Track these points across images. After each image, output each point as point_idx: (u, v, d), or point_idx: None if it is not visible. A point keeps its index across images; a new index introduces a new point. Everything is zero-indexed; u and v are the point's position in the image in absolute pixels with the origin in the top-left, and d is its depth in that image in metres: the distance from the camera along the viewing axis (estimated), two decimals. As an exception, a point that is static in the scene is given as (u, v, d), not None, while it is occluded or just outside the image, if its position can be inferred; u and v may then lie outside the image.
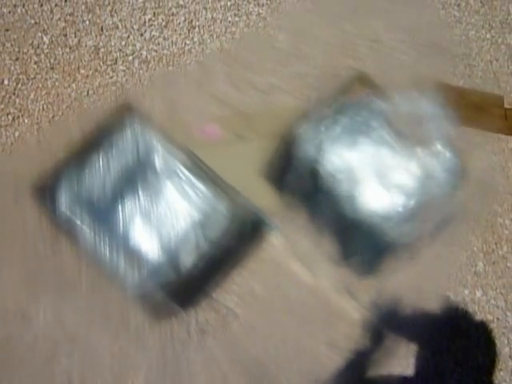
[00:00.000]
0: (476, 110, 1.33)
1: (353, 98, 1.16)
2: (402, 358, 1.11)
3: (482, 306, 1.18)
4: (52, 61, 1.30)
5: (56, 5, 1.35)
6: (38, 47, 1.30)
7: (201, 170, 1.08)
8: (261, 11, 1.41)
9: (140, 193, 1.05)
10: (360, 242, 1.09)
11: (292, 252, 1.16)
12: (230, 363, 1.07)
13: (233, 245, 1.07)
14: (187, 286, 1.05)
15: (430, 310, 1.15)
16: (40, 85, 1.27)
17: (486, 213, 1.25)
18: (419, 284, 1.16)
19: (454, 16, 1.47)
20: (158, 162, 1.07)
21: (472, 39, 1.44)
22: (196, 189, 1.05)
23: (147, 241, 1.01)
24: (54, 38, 1.32)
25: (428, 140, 1.04)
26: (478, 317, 1.17)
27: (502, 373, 1.14)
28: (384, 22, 1.41)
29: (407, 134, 1.04)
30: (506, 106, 1.36)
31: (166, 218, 1.03)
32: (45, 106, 1.25)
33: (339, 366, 1.08)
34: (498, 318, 1.17)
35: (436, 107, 1.04)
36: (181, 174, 1.06)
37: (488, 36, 1.45)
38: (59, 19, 1.34)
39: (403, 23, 1.42)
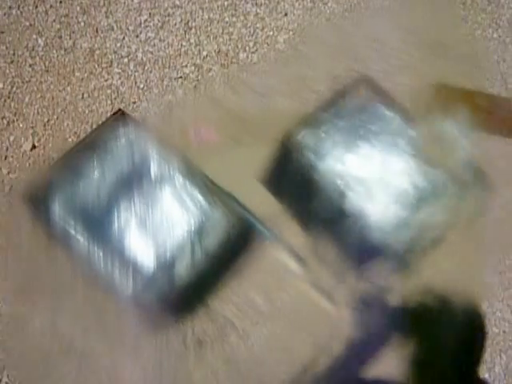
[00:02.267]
0: (482, 112, 1.29)
1: (354, 101, 1.12)
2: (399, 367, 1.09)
3: (487, 318, 1.14)
4: (47, 63, 1.27)
5: (51, 6, 1.32)
6: (33, 50, 1.28)
7: (197, 176, 1.05)
8: (259, 11, 1.37)
9: (135, 201, 1.02)
10: (358, 248, 1.06)
11: (290, 260, 1.13)
12: (228, 374, 1.05)
13: (230, 253, 1.05)
14: (184, 295, 1.02)
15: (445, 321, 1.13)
16: (35, 88, 1.25)
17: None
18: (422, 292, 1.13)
19: (460, 15, 1.43)
20: (154, 168, 1.05)
21: (478, 39, 1.40)
22: (192, 196, 1.03)
23: (143, 250, 0.99)
24: (48, 40, 1.29)
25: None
26: (484, 329, 1.14)
27: (508, 386, 1.12)
28: (386, 22, 1.37)
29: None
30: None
31: (162, 226, 1.01)
32: (40, 110, 1.23)
33: (342, 378, 1.05)
34: (504, 331, 1.14)
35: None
36: (176, 182, 1.04)
37: (495, 35, 1.41)
38: (54, 21, 1.31)
39: (406, 23, 1.38)
